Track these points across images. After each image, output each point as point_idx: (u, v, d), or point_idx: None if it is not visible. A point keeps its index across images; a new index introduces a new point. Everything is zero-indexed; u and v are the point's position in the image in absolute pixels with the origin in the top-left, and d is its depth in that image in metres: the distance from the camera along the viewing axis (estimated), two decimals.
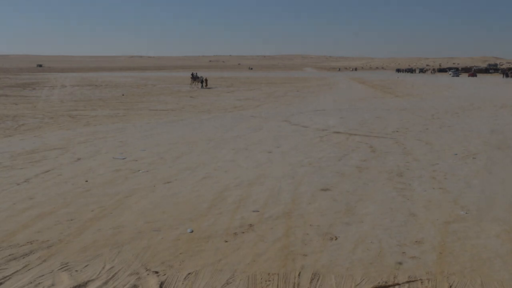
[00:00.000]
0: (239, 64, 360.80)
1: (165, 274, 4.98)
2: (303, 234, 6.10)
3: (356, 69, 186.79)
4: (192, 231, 6.21)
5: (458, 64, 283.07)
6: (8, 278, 4.85)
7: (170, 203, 7.47)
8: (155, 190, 8.23)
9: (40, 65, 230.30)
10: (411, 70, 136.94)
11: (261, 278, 4.89)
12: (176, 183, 8.72)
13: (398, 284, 4.77)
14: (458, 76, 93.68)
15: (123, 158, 10.93)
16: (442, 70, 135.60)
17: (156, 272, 5.02)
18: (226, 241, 5.87)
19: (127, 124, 17.48)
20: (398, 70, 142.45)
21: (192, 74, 46.85)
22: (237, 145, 12.84)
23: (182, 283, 4.80)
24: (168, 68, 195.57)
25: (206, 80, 46.38)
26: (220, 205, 7.34)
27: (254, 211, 7.03)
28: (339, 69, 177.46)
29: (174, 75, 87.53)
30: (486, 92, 38.18)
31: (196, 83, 44.93)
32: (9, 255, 5.42)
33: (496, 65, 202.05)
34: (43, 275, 4.92)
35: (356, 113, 21.28)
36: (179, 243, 5.83)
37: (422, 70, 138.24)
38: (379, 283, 4.79)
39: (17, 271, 5.01)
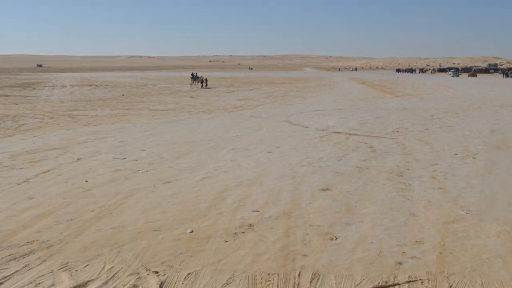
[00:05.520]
0: (239, 64, 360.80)
1: (165, 274, 4.98)
2: (303, 234, 6.10)
3: (356, 69, 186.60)
4: (192, 231, 6.21)
5: (458, 64, 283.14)
6: (8, 278, 4.85)
7: (170, 203, 7.47)
8: (155, 190, 8.23)
9: (40, 65, 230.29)
10: (411, 70, 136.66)
11: (261, 278, 4.89)
12: (176, 183, 8.72)
13: (398, 284, 4.77)
14: (458, 76, 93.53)
15: (123, 158, 10.93)
16: (442, 70, 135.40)
17: (156, 272, 5.02)
18: (226, 241, 5.87)
19: (127, 124, 17.48)
20: (398, 70, 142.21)
21: (192, 74, 46.79)
22: (237, 145, 12.84)
23: (182, 283, 4.80)
24: (168, 68, 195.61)
25: (206, 80, 46.34)
26: (220, 205, 7.35)
27: (254, 211, 7.04)
28: (339, 69, 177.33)
29: (174, 75, 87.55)
30: (486, 92, 38.17)
31: (196, 83, 44.88)
32: (9, 255, 5.42)
33: (496, 65, 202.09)
34: (43, 275, 4.92)
35: (356, 113, 21.28)
36: (179, 243, 5.83)
37: (422, 70, 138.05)
38: (379, 283, 4.79)
39: (17, 271, 5.02)
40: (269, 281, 4.83)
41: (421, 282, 4.80)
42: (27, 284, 4.73)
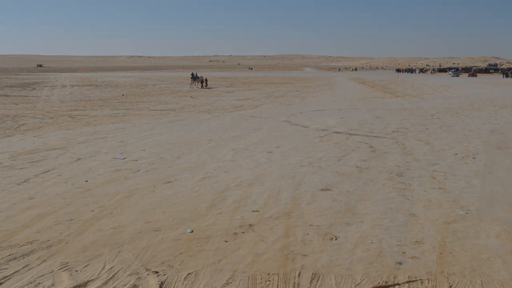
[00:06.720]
0: (239, 64, 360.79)
1: (165, 274, 4.98)
2: (303, 234, 6.10)
3: (356, 69, 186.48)
4: (192, 231, 6.21)
5: (458, 64, 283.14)
6: (8, 278, 4.85)
7: (170, 203, 7.47)
8: (155, 190, 8.23)
9: (40, 65, 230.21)
10: (411, 70, 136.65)
11: (261, 278, 4.89)
12: (176, 183, 8.72)
13: (398, 284, 4.77)
14: (458, 76, 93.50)
15: (123, 158, 10.93)
16: (442, 70, 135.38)
17: (156, 272, 5.02)
18: (226, 241, 5.87)
19: (127, 124, 17.48)
20: (398, 70, 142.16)
21: (192, 74, 46.76)
22: (237, 145, 12.84)
23: (182, 283, 4.80)
24: (168, 68, 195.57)
25: (206, 80, 46.32)
26: (220, 205, 7.35)
27: (254, 211, 7.04)
28: (339, 69, 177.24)
29: (174, 75, 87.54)
30: (486, 92, 38.17)
31: (196, 83, 44.86)
32: (9, 255, 5.42)
33: (496, 65, 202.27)
34: (43, 275, 4.92)
35: (356, 113, 21.28)
36: (179, 243, 5.83)
37: (422, 70, 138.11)
38: (379, 283, 4.79)
39: (17, 271, 5.02)
40: (269, 281, 4.83)
41: (421, 282, 4.80)
42: (27, 284, 4.73)
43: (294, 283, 4.78)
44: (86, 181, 8.83)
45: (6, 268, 5.08)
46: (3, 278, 4.85)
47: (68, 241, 5.88)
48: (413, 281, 4.83)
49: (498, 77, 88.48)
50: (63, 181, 8.83)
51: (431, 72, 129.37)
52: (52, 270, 5.04)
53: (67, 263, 5.23)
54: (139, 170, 9.71)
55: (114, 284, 4.76)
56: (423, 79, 70.79)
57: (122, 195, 7.89)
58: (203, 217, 6.80)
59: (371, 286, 4.74)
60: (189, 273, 5.00)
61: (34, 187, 8.34)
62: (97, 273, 4.99)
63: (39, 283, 4.76)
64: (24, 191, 8.11)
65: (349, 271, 5.04)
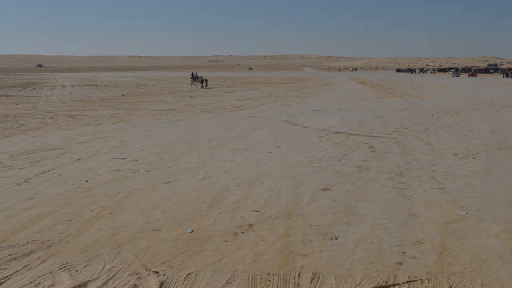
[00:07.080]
0: (239, 64, 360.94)
1: (165, 274, 4.98)
2: (303, 234, 6.10)
3: (356, 69, 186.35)
4: (192, 231, 6.21)
5: (458, 64, 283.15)
6: (8, 278, 4.85)
7: (170, 203, 7.47)
8: (155, 190, 8.23)
9: (40, 65, 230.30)
10: (411, 70, 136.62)
11: (261, 278, 4.89)
12: (176, 183, 8.72)
13: (398, 284, 4.77)
14: (458, 76, 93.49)
15: (123, 158, 10.93)
16: (442, 70, 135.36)
17: (156, 272, 5.02)
18: (226, 241, 5.87)
19: (127, 124, 17.48)
20: (398, 70, 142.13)
21: (192, 74, 46.74)
22: (237, 145, 12.84)
23: (182, 283, 4.80)
24: (168, 68, 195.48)
25: (206, 80, 46.30)
26: (220, 205, 7.35)
27: (254, 211, 7.04)
28: (339, 69, 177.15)
29: (174, 75, 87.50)
30: (486, 92, 38.17)
31: (196, 83, 44.85)
32: (9, 255, 5.42)
33: (496, 65, 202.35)
34: (43, 275, 4.92)
35: (356, 113, 21.28)
36: (179, 243, 5.83)
37: (422, 70, 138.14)
38: (379, 283, 4.79)
39: (17, 271, 5.02)
40: (269, 281, 4.83)
41: (421, 282, 4.80)
42: (27, 284, 4.73)
43: (294, 283, 4.78)
44: (86, 181, 8.83)
45: (6, 268, 5.08)
46: (3, 278, 4.85)
47: (68, 241, 5.88)
48: (413, 281, 4.83)
49: (498, 77, 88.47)
50: (63, 181, 8.83)
51: (431, 72, 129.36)
52: (52, 270, 5.04)
53: (67, 263, 5.23)
54: (139, 170, 9.71)
55: (114, 284, 4.76)
56: (423, 79, 70.78)
57: (122, 195, 7.89)
58: (203, 217, 6.80)
59: (371, 286, 4.74)
60: (189, 273, 5.00)
61: (34, 187, 8.34)
62: (97, 273, 4.99)
63: (39, 283, 4.76)
64: (24, 191, 8.11)
65: (349, 271, 5.04)
